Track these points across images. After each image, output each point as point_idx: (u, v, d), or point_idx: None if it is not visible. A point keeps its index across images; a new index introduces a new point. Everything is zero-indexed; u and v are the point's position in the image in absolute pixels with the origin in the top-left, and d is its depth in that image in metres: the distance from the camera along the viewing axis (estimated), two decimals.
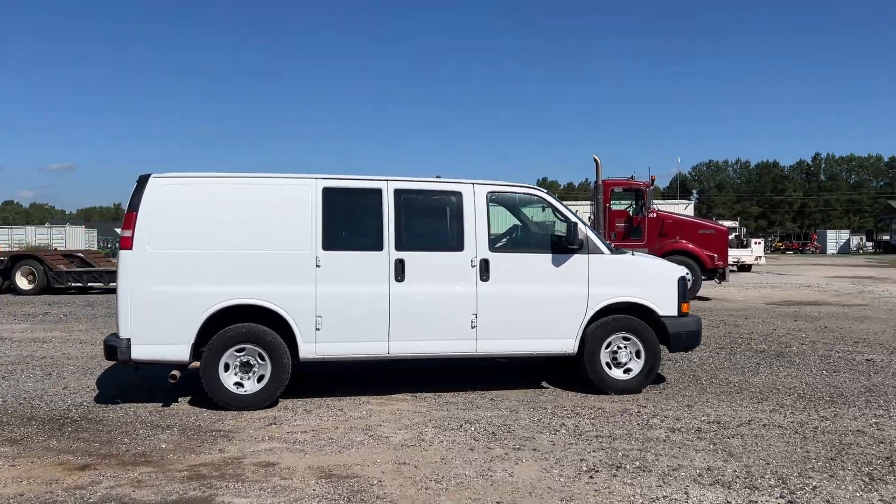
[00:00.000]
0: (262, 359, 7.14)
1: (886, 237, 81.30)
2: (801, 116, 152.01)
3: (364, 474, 5.18)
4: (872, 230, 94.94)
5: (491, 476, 5.17)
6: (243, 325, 7.13)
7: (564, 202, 8.72)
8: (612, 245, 18.29)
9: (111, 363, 8.21)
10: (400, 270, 7.40)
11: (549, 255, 7.83)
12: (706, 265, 18.31)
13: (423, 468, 5.33)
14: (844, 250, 72.61)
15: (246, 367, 7.16)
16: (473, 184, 7.75)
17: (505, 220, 8.58)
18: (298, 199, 7.36)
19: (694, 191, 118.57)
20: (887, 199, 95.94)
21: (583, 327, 7.81)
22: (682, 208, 38.64)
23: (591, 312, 7.81)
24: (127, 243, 7.02)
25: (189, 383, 7.27)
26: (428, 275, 7.52)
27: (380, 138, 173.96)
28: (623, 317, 7.91)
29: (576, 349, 7.82)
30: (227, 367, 7.11)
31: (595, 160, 19.44)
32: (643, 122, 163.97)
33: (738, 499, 4.74)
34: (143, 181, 7.11)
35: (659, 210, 19.66)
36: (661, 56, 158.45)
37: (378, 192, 7.51)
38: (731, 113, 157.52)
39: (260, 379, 7.15)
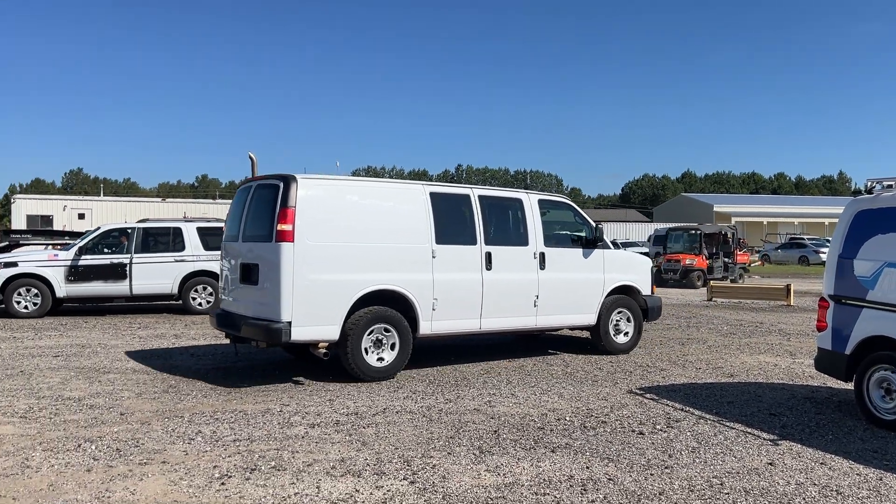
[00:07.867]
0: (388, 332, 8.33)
1: None
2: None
3: None
4: None
5: (108, 497, 4.66)
6: (379, 307, 8.20)
7: None
8: None
9: None
10: (489, 261, 8.99)
11: (581, 250, 9.98)
12: None
13: (24, 499, 4.61)
14: None
15: (378, 343, 8.30)
16: (528, 193, 9.72)
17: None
18: (415, 200, 8.61)
19: None
20: None
21: (600, 305, 10.03)
22: None
23: (605, 293, 10.08)
24: (288, 237, 7.62)
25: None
26: (506, 265, 9.14)
27: None
28: (623, 296, 10.30)
29: (595, 322, 10.05)
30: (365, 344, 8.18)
31: (251, 157, 19.12)
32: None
33: (366, 486, 4.94)
34: (288, 181, 7.80)
35: None
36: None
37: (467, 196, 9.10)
38: None
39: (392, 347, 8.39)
